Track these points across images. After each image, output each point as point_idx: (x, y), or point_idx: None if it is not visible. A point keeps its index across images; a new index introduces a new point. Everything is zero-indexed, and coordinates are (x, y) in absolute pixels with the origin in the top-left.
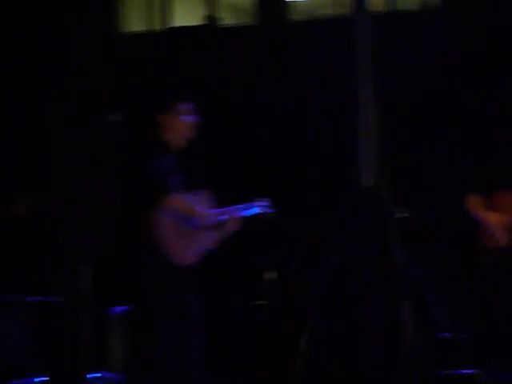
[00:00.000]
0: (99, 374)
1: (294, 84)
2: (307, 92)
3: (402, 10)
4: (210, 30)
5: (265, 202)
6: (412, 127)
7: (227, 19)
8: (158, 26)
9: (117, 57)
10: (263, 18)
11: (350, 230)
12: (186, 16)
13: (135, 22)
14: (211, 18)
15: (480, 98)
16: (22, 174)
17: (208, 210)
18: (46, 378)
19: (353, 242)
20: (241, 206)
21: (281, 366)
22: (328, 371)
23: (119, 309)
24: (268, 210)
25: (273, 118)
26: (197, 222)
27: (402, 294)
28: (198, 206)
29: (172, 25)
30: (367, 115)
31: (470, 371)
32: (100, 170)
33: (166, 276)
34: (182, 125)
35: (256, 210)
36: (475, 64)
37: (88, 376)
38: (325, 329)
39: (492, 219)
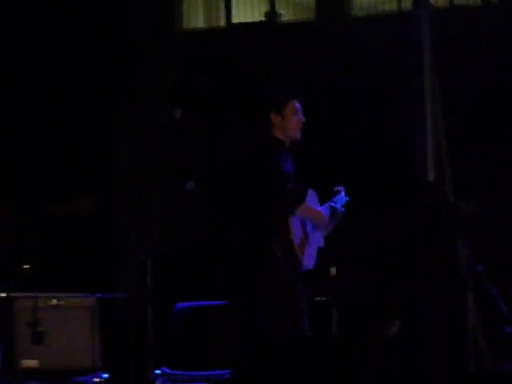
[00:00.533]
0: (160, 371)
1: (355, 81)
2: (369, 89)
3: (463, 5)
4: (270, 26)
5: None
6: (472, 124)
7: (288, 15)
8: (219, 23)
9: (179, 54)
10: (324, 14)
11: (411, 225)
12: (247, 12)
13: (196, 18)
14: (272, 14)
15: None
16: (86, 171)
17: (320, 210)
18: (106, 376)
19: (414, 238)
20: (335, 198)
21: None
22: (391, 367)
23: (182, 305)
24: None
25: (334, 114)
26: (313, 225)
27: (466, 288)
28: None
29: (233, 21)
30: (429, 112)
31: None
32: (165, 167)
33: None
34: (293, 124)
35: (344, 199)
36: None
37: (150, 373)
38: (388, 325)
39: None
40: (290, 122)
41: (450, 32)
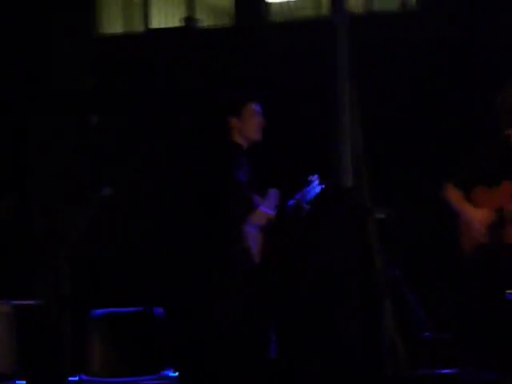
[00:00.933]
0: (78, 378)
1: (273, 85)
2: (286, 93)
3: (381, 12)
4: (188, 31)
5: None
6: (390, 129)
7: (206, 21)
8: (137, 28)
9: (96, 58)
10: (242, 20)
11: (330, 230)
12: (165, 18)
13: (114, 23)
14: (190, 20)
15: (457, 97)
16: (1, 175)
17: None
18: (22, 383)
19: (333, 243)
20: (304, 190)
21: None
22: (308, 370)
23: (100, 311)
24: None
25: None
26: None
27: (382, 293)
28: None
29: (151, 26)
30: (346, 117)
31: (450, 371)
32: (81, 170)
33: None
34: (252, 127)
35: (316, 189)
36: (454, 64)
37: (68, 379)
38: (307, 328)
39: (472, 213)
40: (249, 125)
41: (368, 38)
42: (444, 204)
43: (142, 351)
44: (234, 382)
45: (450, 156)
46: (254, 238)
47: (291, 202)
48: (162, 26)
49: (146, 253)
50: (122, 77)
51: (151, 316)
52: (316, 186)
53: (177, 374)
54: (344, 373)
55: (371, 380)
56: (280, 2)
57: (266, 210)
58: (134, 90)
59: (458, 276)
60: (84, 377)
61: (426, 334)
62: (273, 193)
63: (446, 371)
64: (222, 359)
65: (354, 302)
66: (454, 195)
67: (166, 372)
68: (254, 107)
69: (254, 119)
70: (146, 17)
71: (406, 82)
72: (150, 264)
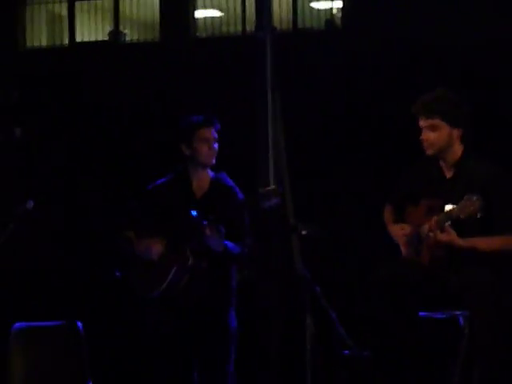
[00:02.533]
0: None
1: (199, 101)
2: (213, 109)
3: (307, 29)
4: (114, 45)
5: None
6: (314, 143)
7: (132, 35)
8: (62, 42)
9: (21, 72)
10: (168, 34)
11: (253, 246)
12: (90, 31)
13: (40, 36)
14: (116, 34)
15: (380, 111)
16: None
17: None
18: None
19: (256, 258)
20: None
21: None
22: None
23: (21, 325)
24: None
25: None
26: None
27: (303, 310)
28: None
29: (76, 40)
30: (267, 132)
31: None
32: (4, 183)
33: None
34: (203, 154)
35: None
36: (380, 80)
37: None
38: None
39: (393, 231)
40: (201, 153)
41: (294, 55)
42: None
43: (64, 364)
44: None
45: (373, 172)
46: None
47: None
48: (88, 39)
49: (66, 266)
50: (47, 90)
51: (72, 329)
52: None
53: None
54: None
55: None
56: (206, 18)
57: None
58: (59, 104)
59: (372, 294)
60: None
61: (346, 351)
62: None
63: None
64: (145, 372)
65: (277, 317)
66: (386, 214)
67: None
68: (206, 134)
69: (204, 147)
70: (71, 30)
71: (330, 96)
72: (70, 277)
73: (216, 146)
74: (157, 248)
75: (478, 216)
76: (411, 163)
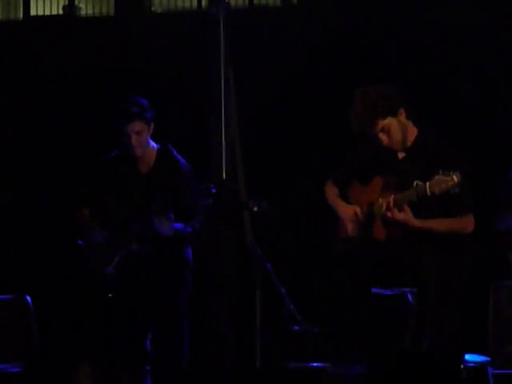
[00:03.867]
0: None
1: (151, 78)
2: (163, 84)
3: (262, 5)
4: (68, 19)
5: None
6: (268, 122)
7: (87, 9)
8: (16, 15)
9: None
10: (123, 9)
11: (204, 223)
12: (46, 5)
13: None
14: (70, 8)
15: (332, 92)
16: None
17: None
18: None
19: (206, 236)
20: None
21: None
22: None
23: None
24: None
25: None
26: None
27: (253, 286)
28: None
29: (30, 14)
30: (224, 111)
31: (318, 364)
32: None
33: None
34: (124, 146)
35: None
36: (334, 61)
37: None
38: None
39: (343, 209)
40: (124, 145)
41: (249, 31)
42: (324, 200)
43: (11, 338)
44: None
45: (325, 150)
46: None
47: None
48: (42, 13)
49: (14, 240)
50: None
51: (21, 304)
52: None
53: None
54: (213, 365)
55: (240, 373)
56: None
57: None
58: (12, 79)
59: (327, 270)
60: None
61: (295, 327)
62: None
63: (314, 365)
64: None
65: (226, 294)
66: (330, 191)
67: (35, 360)
68: (124, 131)
69: (124, 139)
70: (26, 4)
71: (284, 74)
72: (18, 251)
73: (137, 138)
74: (97, 233)
75: (456, 191)
76: (360, 140)
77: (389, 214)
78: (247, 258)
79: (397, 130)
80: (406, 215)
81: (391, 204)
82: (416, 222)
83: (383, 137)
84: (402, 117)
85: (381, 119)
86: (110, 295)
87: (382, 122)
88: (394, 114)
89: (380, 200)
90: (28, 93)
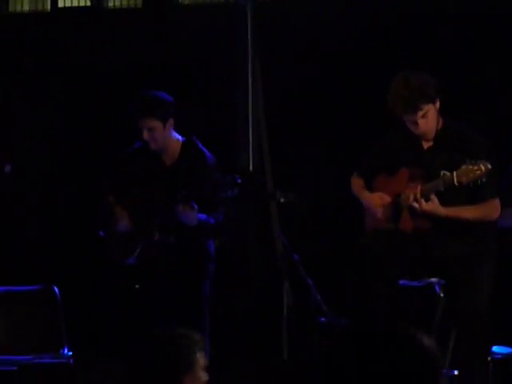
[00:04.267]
0: None
1: (182, 69)
2: (194, 77)
3: None
4: (96, 11)
5: None
6: (294, 115)
7: (115, 1)
8: (44, 7)
9: (3, 37)
10: (151, 1)
11: (231, 213)
12: None
13: (22, 2)
14: (98, 0)
15: (366, 83)
16: None
17: None
18: None
19: (234, 226)
20: None
21: None
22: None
23: None
24: None
25: None
26: None
27: (282, 277)
28: None
29: (59, 5)
30: (251, 102)
31: None
32: None
33: None
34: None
35: None
36: (349, 52)
37: None
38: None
39: (368, 199)
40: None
41: (275, 23)
42: (351, 192)
43: (39, 330)
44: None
45: (352, 141)
46: None
47: None
48: (70, 5)
49: (41, 230)
50: (29, 56)
51: (48, 294)
52: None
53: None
54: (242, 355)
55: (269, 364)
56: None
57: None
58: (40, 70)
59: (354, 262)
60: None
61: (322, 318)
62: None
63: None
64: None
65: (255, 285)
66: (355, 183)
67: (63, 351)
68: (139, 122)
69: (142, 132)
70: None
71: (315, 65)
72: (45, 242)
73: (150, 134)
74: (123, 223)
75: (484, 180)
76: (386, 131)
77: (416, 205)
78: (274, 250)
79: (433, 117)
80: (433, 205)
81: (418, 195)
82: (443, 211)
83: (422, 122)
84: (437, 106)
85: (425, 104)
86: (136, 286)
87: (426, 106)
88: (434, 102)
89: (407, 191)
90: (55, 85)
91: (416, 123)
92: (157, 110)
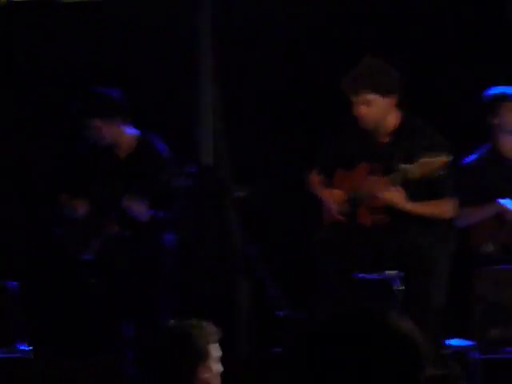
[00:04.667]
0: None
1: (136, 59)
2: (152, 69)
3: None
4: (51, 4)
5: None
6: (251, 104)
7: None
8: None
9: None
10: None
11: (187, 207)
12: None
13: None
14: None
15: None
16: None
17: None
18: None
19: (190, 221)
20: None
21: None
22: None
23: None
24: None
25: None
26: None
27: (238, 271)
28: None
29: None
30: (206, 93)
31: None
32: None
33: None
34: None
35: None
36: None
37: None
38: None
39: (326, 195)
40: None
41: (234, 16)
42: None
43: None
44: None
45: (311, 136)
46: None
47: None
48: None
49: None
50: None
51: (4, 289)
52: None
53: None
54: None
55: (226, 358)
56: None
57: None
58: None
59: (312, 256)
60: None
61: (280, 312)
62: None
63: None
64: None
65: (211, 279)
66: (313, 180)
67: (19, 345)
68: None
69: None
70: None
71: (273, 62)
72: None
73: (96, 132)
74: (81, 207)
75: (442, 173)
76: (342, 127)
77: (375, 199)
78: (231, 244)
79: (380, 110)
80: (399, 195)
81: (377, 189)
82: (404, 204)
83: (364, 109)
84: (391, 101)
85: (367, 91)
86: (92, 280)
87: (368, 95)
88: (384, 95)
89: (366, 185)
90: (8, 81)
91: (357, 109)
92: (100, 110)
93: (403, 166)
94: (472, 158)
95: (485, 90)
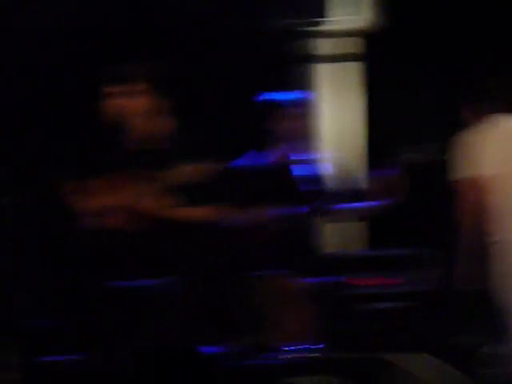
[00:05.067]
0: None
1: None
2: None
3: None
4: None
5: None
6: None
7: None
8: None
9: None
10: None
11: None
12: None
13: None
14: None
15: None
16: None
17: None
18: None
19: None
20: None
21: None
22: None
23: None
24: None
25: None
26: None
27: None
28: None
29: None
30: None
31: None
32: None
33: None
34: None
35: None
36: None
37: None
38: None
39: (82, 204)
40: None
41: None
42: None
43: None
44: None
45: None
46: None
47: None
48: None
49: None
50: None
51: None
52: None
53: None
54: None
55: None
56: None
57: None
58: None
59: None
60: None
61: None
62: None
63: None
64: None
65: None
66: (71, 189)
67: None
68: None
69: None
70: None
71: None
72: None
73: None
74: None
75: (203, 179)
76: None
77: (135, 206)
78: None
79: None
80: (154, 205)
81: (135, 196)
82: (161, 211)
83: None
84: (153, 106)
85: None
86: None
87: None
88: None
89: (125, 193)
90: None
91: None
92: None
93: (155, 174)
94: (243, 162)
95: (255, 96)
